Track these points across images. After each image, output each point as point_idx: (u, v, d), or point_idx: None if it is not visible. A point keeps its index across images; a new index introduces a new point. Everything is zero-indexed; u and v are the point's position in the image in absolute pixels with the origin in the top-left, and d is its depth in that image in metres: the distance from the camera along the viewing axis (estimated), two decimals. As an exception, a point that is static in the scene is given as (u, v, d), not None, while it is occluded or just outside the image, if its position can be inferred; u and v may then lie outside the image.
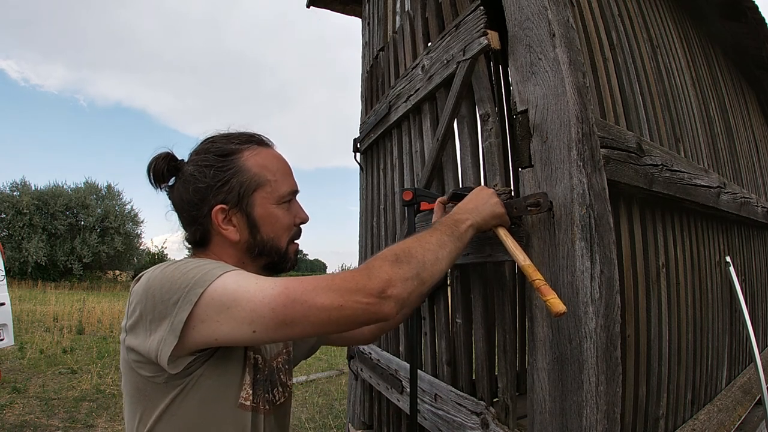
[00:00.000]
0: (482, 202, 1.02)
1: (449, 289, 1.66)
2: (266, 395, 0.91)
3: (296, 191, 0.98)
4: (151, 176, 0.91)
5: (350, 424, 2.67)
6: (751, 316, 2.56)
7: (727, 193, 2.23)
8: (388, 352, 2.08)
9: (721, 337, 2.41)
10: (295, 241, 1.00)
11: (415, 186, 1.88)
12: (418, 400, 1.61)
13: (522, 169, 1.15)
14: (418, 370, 1.67)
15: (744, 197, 2.56)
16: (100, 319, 10.13)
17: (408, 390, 1.65)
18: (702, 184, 1.90)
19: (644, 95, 1.83)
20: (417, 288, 0.77)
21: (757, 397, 2.45)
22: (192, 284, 0.72)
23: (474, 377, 1.46)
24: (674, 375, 1.84)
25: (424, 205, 1.53)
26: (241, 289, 0.71)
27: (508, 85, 1.86)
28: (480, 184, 1.49)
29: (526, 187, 1.13)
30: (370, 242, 2.56)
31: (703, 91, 2.70)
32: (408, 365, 1.61)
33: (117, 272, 28.56)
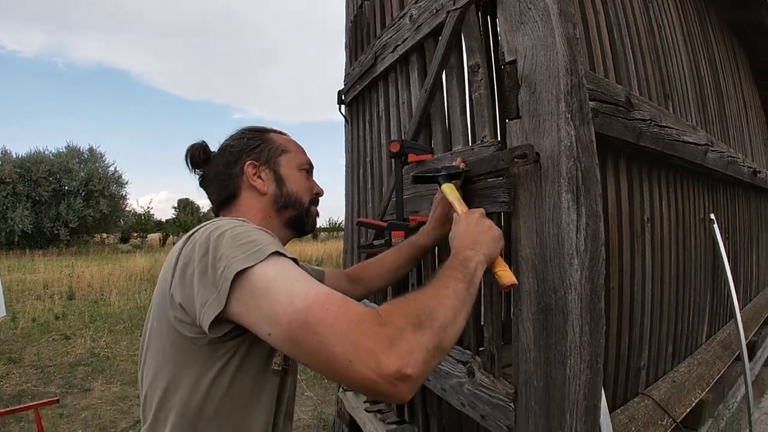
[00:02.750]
0: (481, 232, 0.97)
1: None
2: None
3: (312, 166, 1.11)
4: (189, 161, 1.04)
5: (341, 392, 2.73)
6: (733, 274, 2.63)
7: (714, 151, 2.24)
8: (376, 304, 2.11)
9: (703, 293, 2.48)
10: (314, 206, 1.09)
11: (402, 138, 1.86)
12: None
13: (509, 120, 1.13)
14: None
15: (731, 156, 2.58)
16: (90, 283, 10.08)
17: None
18: (690, 140, 1.90)
19: (635, 50, 1.81)
20: (436, 360, 0.69)
21: (737, 353, 2.53)
22: (240, 257, 0.72)
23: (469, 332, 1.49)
24: (656, 328, 1.90)
25: (411, 157, 1.52)
26: (274, 283, 0.70)
27: (497, 35, 1.83)
28: (468, 137, 1.49)
29: (513, 139, 1.12)
30: (357, 196, 2.55)
31: (694, 49, 2.67)
32: None
33: (104, 235, 28.35)
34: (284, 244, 1.03)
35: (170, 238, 28.06)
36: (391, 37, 1.96)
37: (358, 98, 2.51)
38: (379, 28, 2.24)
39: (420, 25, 1.67)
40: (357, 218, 2.37)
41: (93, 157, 26.37)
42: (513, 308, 1.16)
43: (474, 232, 0.97)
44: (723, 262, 2.51)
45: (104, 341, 5.68)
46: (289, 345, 0.66)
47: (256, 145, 1.02)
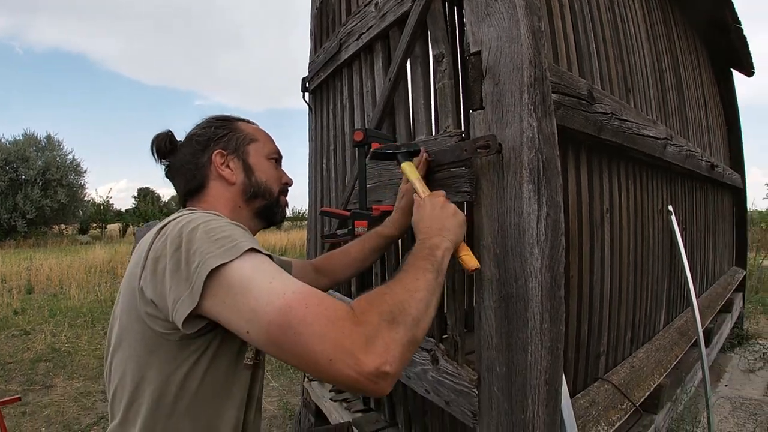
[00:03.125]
0: (446, 217, 0.98)
1: None
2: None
3: (281, 156, 1.09)
4: (154, 151, 1.01)
5: (306, 378, 2.74)
6: (690, 263, 2.74)
7: (673, 145, 2.32)
8: (339, 293, 2.11)
9: (661, 282, 2.57)
10: (283, 196, 1.09)
11: (366, 127, 1.86)
12: None
13: (473, 111, 1.14)
14: None
15: (689, 150, 2.68)
16: (49, 276, 9.73)
17: None
18: (649, 134, 1.96)
19: (598, 44, 1.85)
20: (411, 352, 0.71)
21: (693, 339, 2.64)
22: (215, 253, 0.71)
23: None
24: (615, 315, 1.96)
25: (374, 146, 1.52)
26: (251, 281, 0.69)
27: (462, 25, 1.83)
28: (431, 126, 1.50)
29: (476, 129, 1.13)
30: (320, 184, 2.53)
31: (657, 45, 2.75)
32: None
33: (62, 226, 27.19)
34: (254, 235, 1.02)
35: (130, 229, 27.26)
36: (356, 24, 1.94)
37: (322, 86, 2.49)
38: (344, 15, 2.22)
39: (385, 13, 1.67)
40: (320, 207, 2.36)
41: (51, 145, 25.25)
42: (475, 296, 1.17)
43: (440, 217, 0.97)
44: (680, 252, 2.60)
45: (65, 336, 5.50)
46: (269, 344, 0.66)
47: (224, 134, 1.01)
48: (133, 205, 31.88)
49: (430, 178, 1.22)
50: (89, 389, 3.98)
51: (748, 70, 4.74)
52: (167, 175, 1.04)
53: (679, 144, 2.47)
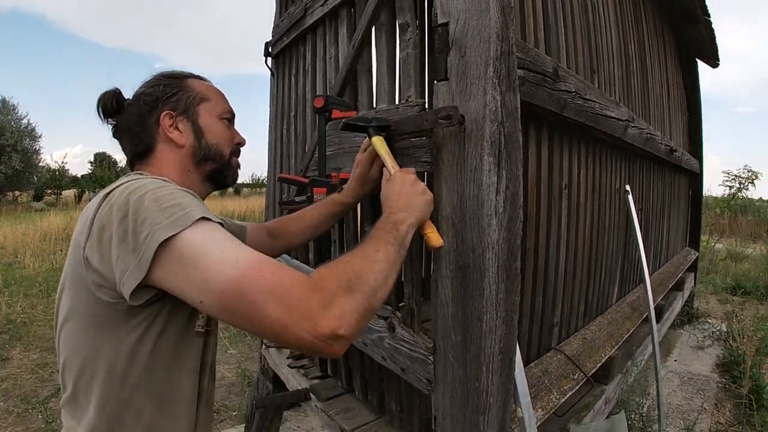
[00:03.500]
0: (415, 194, 1.00)
1: None
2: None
3: (234, 114, 1.06)
4: (100, 109, 0.96)
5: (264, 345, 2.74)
6: (644, 242, 2.86)
7: (634, 127, 2.39)
8: (297, 260, 2.12)
9: (615, 258, 2.68)
10: (235, 157, 1.06)
11: (328, 93, 1.84)
12: None
13: (437, 81, 1.14)
14: None
15: (650, 133, 2.76)
16: (3, 244, 9.35)
17: None
18: (612, 115, 2.02)
19: (566, 23, 1.86)
20: (366, 320, 0.73)
21: (644, 315, 2.77)
22: (164, 224, 0.69)
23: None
24: (569, 288, 2.04)
25: (335, 113, 1.51)
26: (202, 251, 0.68)
27: None
28: (394, 96, 1.49)
29: (439, 100, 1.13)
30: (280, 150, 2.51)
31: (625, 29, 2.79)
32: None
33: (17, 193, 25.96)
34: (204, 198, 1.01)
35: (86, 195, 26.20)
36: None
37: (285, 51, 2.44)
38: None
39: (353, -21, 1.65)
40: (279, 174, 2.33)
41: (5, 109, 23.76)
42: (433, 265, 1.20)
43: (408, 193, 0.99)
44: (635, 230, 2.71)
45: (20, 306, 5.34)
46: (223, 312, 0.67)
47: (173, 93, 0.96)
48: (90, 171, 30.65)
49: (391, 147, 1.22)
50: (46, 360, 3.90)
51: (713, 62, 4.88)
52: (114, 135, 1.00)
53: (640, 126, 2.54)
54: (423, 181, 1.30)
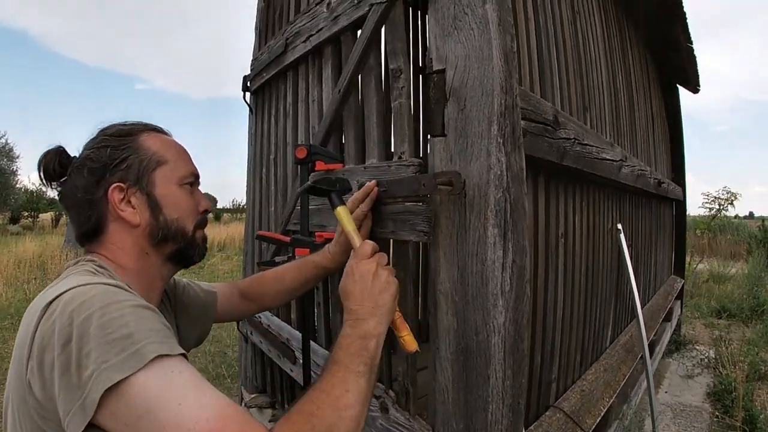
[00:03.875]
0: (380, 291, 0.83)
1: None
2: None
3: (197, 175, 0.91)
4: (42, 172, 0.84)
5: (243, 388, 2.55)
6: (635, 279, 2.76)
7: (627, 166, 2.30)
8: (278, 318, 1.95)
9: (608, 300, 2.57)
10: (201, 229, 0.92)
11: (311, 142, 1.69)
12: (312, 374, 1.52)
13: (433, 137, 1.01)
14: (312, 342, 1.55)
15: (641, 170, 2.69)
16: (-22, 269, 8.86)
17: (302, 361, 1.54)
18: (607, 158, 1.92)
19: (560, 61, 1.77)
20: None
21: (639, 356, 2.67)
22: (113, 363, 0.59)
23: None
24: (566, 340, 1.91)
25: (319, 165, 1.37)
26: (157, 404, 0.58)
27: (426, 38, 1.68)
28: (385, 149, 1.35)
29: (436, 158, 1.00)
30: (259, 195, 2.34)
31: (613, 62, 2.74)
32: (300, 335, 1.50)
33: (-8, 215, 25.22)
34: (167, 281, 0.88)
35: (63, 219, 25.49)
36: (305, 24, 1.76)
37: (264, 87, 2.28)
38: (292, 12, 2.03)
39: (338, 16, 1.50)
40: (258, 231, 2.15)
41: (-20, 128, 23.10)
42: (431, 344, 1.05)
43: (372, 291, 0.82)
44: (628, 271, 2.61)
45: None
46: None
47: (123, 158, 0.81)
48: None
49: (380, 210, 1.08)
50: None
51: (694, 87, 4.92)
52: (61, 203, 0.85)
53: (632, 164, 2.47)
54: (417, 249, 1.14)
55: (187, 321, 1.02)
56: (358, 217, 1.04)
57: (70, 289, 0.65)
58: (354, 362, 0.72)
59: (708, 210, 13.30)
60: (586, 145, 1.60)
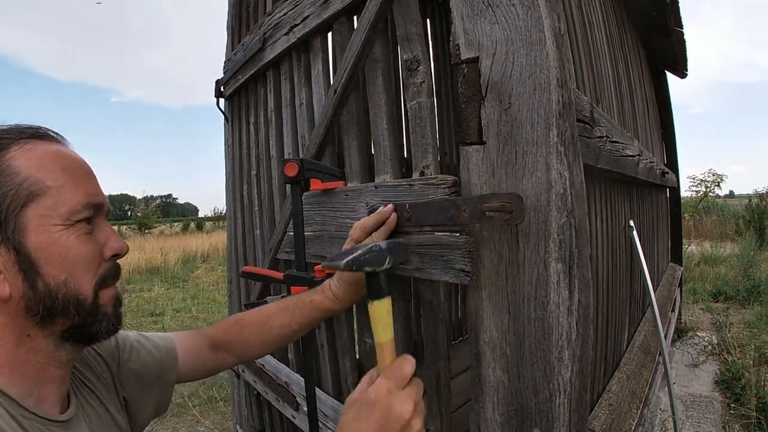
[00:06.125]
0: None
1: None
2: None
3: (100, 204, 0.60)
4: None
5: (238, 426, 2.31)
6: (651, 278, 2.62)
7: (643, 160, 2.14)
8: (274, 358, 1.70)
9: (624, 301, 2.42)
10: (110, 285, 0.61)
11: (297, 155, 1.45)
12: (320, 424, 1.30)
13: (466, 144, 0.80)
14: (317, 389, 1.33)
15: (650, 162, 2.54)
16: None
17: (305, 408, 1.31)
18: (629, 153, 1.74)
19: (574, 51, 1.58)
20: None
21: (656, 356, 2.54)
22: None
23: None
24: (594, 352, 1.75)
25: (314, 184, 1.13)
26: None
27: (444, 20, 1.45)
28: (400, 161, 1.12)
29: (471, 173, 0.79)
30: (241, 216, 2.05)
31: (613, 49, 2.58)
32: (302, 380, 1.27)
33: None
34: (70, 364, 0.62)
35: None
36: (286, 13, 1.50)
37: (240, 92, 2.00)
38: (270, 2, 1.75)
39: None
40: (243, 268, 1.87)
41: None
42: (472, 402, 0.84)
43: None
44: (643, 268, 2.46)
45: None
46: None
47: None
48: None
49: (401, 240, 0.86)
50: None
51: (682, 73, 4.83)
52: None
53: (646, 158, 2.31)
54: (455, 290, 0.92)
55: (140, 390, 0.77)
56: None
57: None
58: None
59: (695, 193, 13.46)
60: (615, 142, 1.42)
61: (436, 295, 0.96)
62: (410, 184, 0.94)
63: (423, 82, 0.95)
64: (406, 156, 1.16)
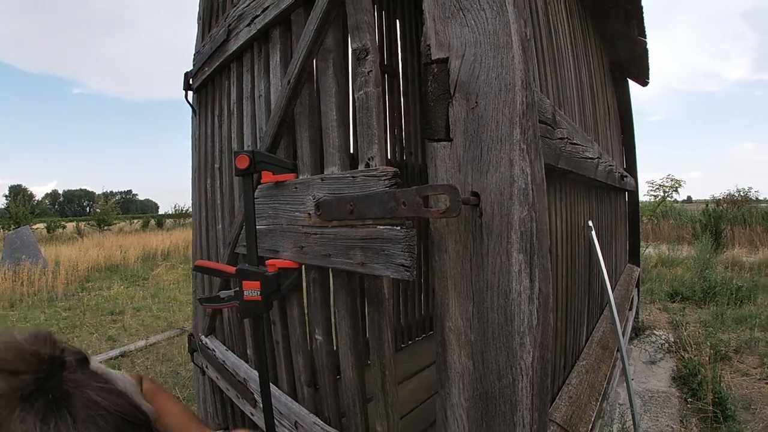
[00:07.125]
0: None
1: (305, 292, 1.29)
2: None
3: None
4: None
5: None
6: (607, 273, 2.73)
7: (602, 163, 2.23)
8: (234, 353, 1.70)
9: (582, 298, 2.52)
10: None
11: (255, 148, 1.44)
12: (276, 422, 1.30)
13: (433, 141, 0.83)
14: (273, 386, 1.34)
15: (609, 165, 2.65)
16: None
17: (261, 405, 1.32)
18: (589, 156, 1.82)
19: (538, 53, 1.64)
20: None
21: (614, 352, 2.64)
22: None
23: (343, 409, 1.17)
24: (553, 347, 1.82)
25: (266, 176, 1.14)
26: None
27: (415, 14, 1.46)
28: (347, 153, 1.12)
29: (439, 168, 0.82)
30: (205, 211, 2.03)
31: (577, 53, 2.68)
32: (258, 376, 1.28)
33: None
34: None
35: (0, 233, 23.53)
36: (249, 5, 1.49)
37: (207, 84, 1.98)
38: None
39: (286, -10, 1.25)
40: (196, 261, 1.83)
41: None
42: (439, 389, 0.88)
43: None
44: (601, 267, 2.57)
45: None
46: None
47: None
48: (4, 206, 27.51)
49: (346, 236, 0.88)
50: None
51: (644, 81, 5.03)
52: None
53: (605, 161, 2.41)
54: (397, 286, 0.95)
55: None
56: None
57: None
58: None
59: (654, 197, 14.01)
60: (576, 144, 1.49)
61: (380, 291, 0.98)
62: (353, 176, 0.95)
63: (371, 71, 0.96)
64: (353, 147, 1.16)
